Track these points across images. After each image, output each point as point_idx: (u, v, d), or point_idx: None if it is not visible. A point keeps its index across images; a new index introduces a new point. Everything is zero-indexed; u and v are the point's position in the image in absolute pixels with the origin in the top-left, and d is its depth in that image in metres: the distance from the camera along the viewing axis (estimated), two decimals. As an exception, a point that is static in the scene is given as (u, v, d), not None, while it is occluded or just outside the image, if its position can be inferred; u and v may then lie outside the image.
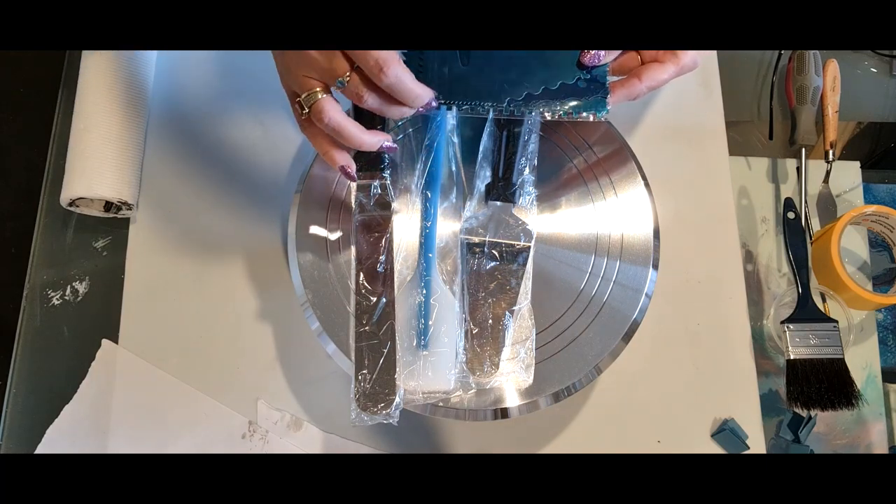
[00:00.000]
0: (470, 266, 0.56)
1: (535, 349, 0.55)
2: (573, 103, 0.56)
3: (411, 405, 0.54)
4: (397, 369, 0.53)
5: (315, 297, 0.57)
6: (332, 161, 0.54)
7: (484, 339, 0.54)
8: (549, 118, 0.57)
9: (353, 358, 0.54)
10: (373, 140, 0.53)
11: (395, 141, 0.56)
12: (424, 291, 0.55)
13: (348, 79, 0.50)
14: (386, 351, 0.53)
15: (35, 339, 0.66)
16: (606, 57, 0.56)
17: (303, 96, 0.51)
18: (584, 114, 0.56)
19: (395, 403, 0.52)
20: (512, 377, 0.54)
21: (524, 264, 0.57)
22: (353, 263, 0.56)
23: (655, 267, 0.58)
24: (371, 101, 0.51)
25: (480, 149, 0.60)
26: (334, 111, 0.51)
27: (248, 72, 0.74)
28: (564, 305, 0.57)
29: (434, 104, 0.54)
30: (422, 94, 0.52)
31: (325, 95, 0.51)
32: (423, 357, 0.54)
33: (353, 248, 0.57)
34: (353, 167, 0.55)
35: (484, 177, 0.59)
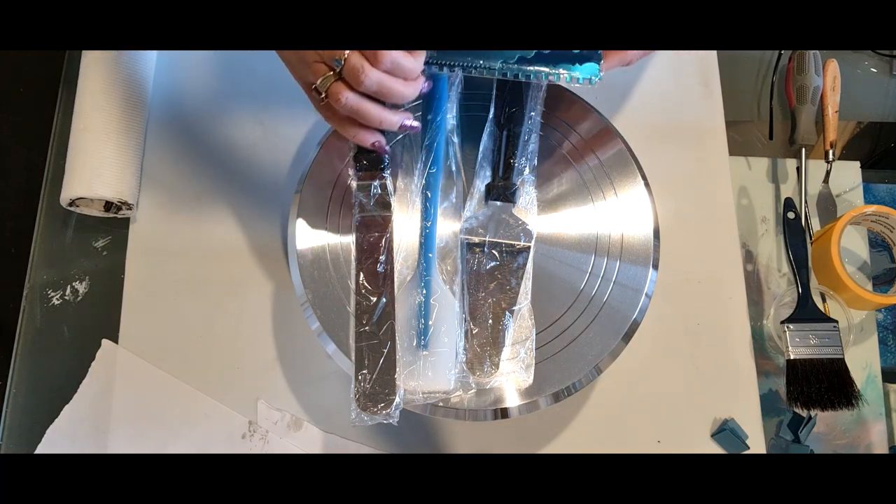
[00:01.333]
0: (470, 266, 0.56)
1: (535, 349, 0.55)
2: (566, 68, 0.55)
3: (411, 405, 0.54)
4: (397, 369, 0.53)
5: (315, 297, 0.57)
6: (363, 141, 0.55)
7: (484, 339, 0.54)
8: (542, 82, 0.56)
9: (353, 358, 0.54)
10: (394, 118, 0.53)
11: (393, 142, 0.56)
12: (424, 291, 0.55)
13: (346, 57, 0.50)
14: (386, 351, 0.53)
15: (35, 339, 0.66)
16: None
17: (318, 82, 0.51)
18: (579, 78, 0.55)
19: (395, 403, 0.52)
20: (512, 377, 0.54)
21: (524, 264, 0.57)
22: (353, 263, 0.56)
23: (655, 267, 0.58)
24: (369, 83, 0.50)
25: (480, 149, 0.60)
26: (350, 91, 0.51)
27: (247, 71, 0.74)
28: (564, 305, 0.57)
29: (424, 85, 0.54)
30: (414, 68, 0.52)
31: (338, 79, 0.51)
32: (423, 357, 0.54)
33: (353, 248, 0.57)
34: (383, 140, 0.55)
35: (484, 177, 0.59)
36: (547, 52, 0.55)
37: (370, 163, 0.58)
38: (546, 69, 0.55)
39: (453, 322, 0.55)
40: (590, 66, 0.55)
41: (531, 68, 0.55)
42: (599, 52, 0.55)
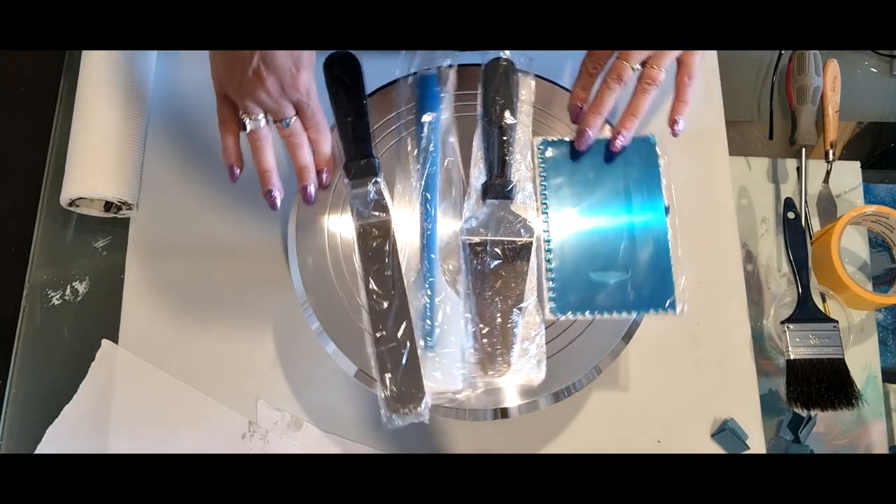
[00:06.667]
0: (474, 266, 0.56)
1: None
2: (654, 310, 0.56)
3: None
4: (422, 368, 0.53)
5: (315, 297, 0.57)
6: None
7: (494, 339, 0.54)
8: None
9: (374, 364, 0.54)
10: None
11: (389, 146, 0.59)
12: (429, 292, 0.55)
13: (293, 121, 0.57)
14: (406, 351, 0.53)
15: (35, 339, 0.66)
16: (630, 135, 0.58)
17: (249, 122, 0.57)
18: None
19: (424, 402, 0.52)
20: (524, 374, 0.54)
21: (528, 260, 0.56)
22: (360, 272, 0.56)
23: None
24: (299, 141, 0.57)
25: (473, 148, 0.60)
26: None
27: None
28: (564, 305, 0.57)
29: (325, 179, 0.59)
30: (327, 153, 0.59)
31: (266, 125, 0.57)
32: (430, 359, 0.54)
33: (356, 257, 0.57)
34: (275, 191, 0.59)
35: (479, 175, 0.59)
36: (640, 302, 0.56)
37: (361, 170, 0.58)
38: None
39: (459, 322, 0.55)
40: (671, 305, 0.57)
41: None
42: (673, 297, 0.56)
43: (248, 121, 0.56)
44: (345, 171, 0.58)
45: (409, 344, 0.54)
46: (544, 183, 0.59)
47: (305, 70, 0.54)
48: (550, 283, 0.56)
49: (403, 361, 0.53)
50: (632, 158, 0.59)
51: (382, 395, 0.53)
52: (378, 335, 0.54)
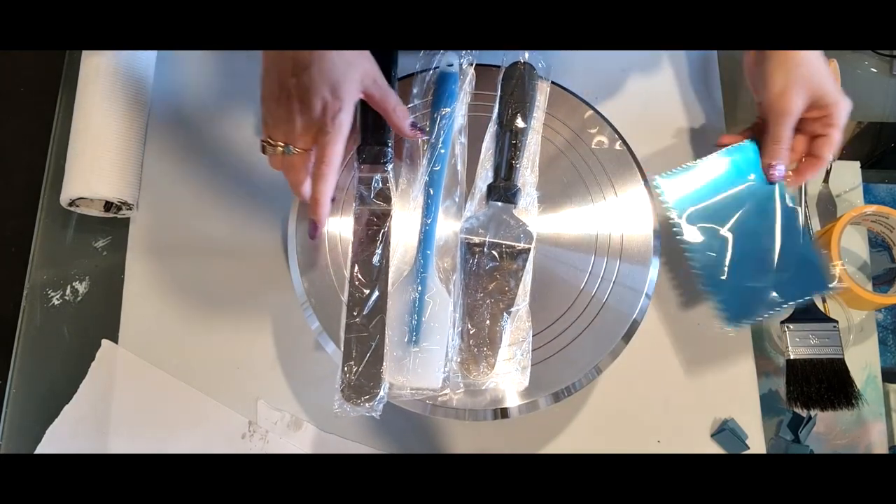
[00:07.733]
0: (469, 266, 0.56)
1: (535, 349, 0.55)
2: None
3: (399, 400, 0.54)
4: (384, 363, 0.53)
5: (315, 297, 0.57)
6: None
7: (481, 340, 0.54)
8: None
9: (341, 348, 0.54)
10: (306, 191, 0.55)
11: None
12: (420, 288, 0.55)
13: (297, 152, 0.53)
14: (374, 344, 0.54)
15: (35, 339, 0.66)
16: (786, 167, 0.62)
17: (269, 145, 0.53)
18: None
19: (378, 397, 0.52)
20: (507, 378, 0.54)
21: (524, 266, 0.57)
22: (350, 255, 0.56)
23: (656, 267, 0.58)
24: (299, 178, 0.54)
25: (482, 149, 0.60)
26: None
27: (248, 71, 0.74)
28: (564, 305, 0.57)
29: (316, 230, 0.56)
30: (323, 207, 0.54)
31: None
32: (413, 353, 0.54)
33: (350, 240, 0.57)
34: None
35: (485, 177, 0.59)
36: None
37: (373, 156, 0.58)
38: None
39: (447, 320, 0.55)
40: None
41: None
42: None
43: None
44: (357, 152, 0.58)
45: (378, 337, 0.54)
46: (678, 226, 0.62)
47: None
48: (717, 302, 0.61)
49: (368, 354, 0.53)
50: (740, 165, 0.63)
51: (340, 382, 0.53)
52: (350, 321, 0.54)
